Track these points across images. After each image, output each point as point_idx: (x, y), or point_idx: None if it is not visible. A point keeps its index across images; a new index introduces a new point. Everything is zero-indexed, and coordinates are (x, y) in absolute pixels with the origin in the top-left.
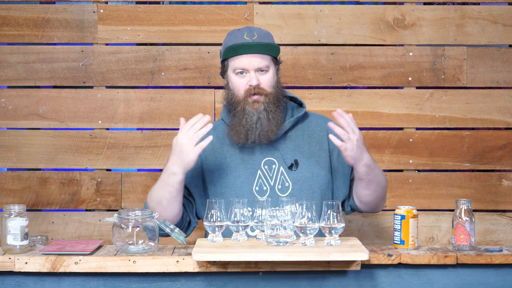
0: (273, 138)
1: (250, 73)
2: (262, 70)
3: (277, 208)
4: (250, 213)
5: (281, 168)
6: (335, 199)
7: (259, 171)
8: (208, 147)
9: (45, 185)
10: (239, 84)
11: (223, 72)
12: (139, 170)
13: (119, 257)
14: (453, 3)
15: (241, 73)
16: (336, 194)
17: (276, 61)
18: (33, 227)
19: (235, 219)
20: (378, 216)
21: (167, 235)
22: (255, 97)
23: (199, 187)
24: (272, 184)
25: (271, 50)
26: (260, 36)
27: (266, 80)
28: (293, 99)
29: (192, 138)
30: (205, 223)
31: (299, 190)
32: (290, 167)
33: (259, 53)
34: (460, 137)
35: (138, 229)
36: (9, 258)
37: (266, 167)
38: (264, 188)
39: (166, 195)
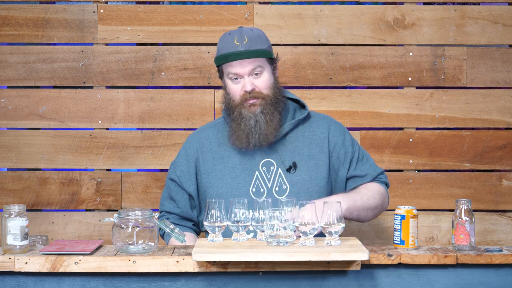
0: (273, 141)
1: (244, 78)
2: (256, 74)
3: (277, 208)
4: (250, 214)
5: (279, 170)
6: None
7: (256, 173)
8: (206, 148)
9: (45, 185)
10: (235, 89)
11: (221, 76)
12: (139, 170)
13: (119, 257)
14: (453, 3)
15: (236, 78)
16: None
17: (271, 61)
18: (33, 227)
19: (235, 219)
20: (378, 216)
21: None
22: (251, 101)
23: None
24: (269, 186)
25: (261, 54)
26: (251, 39)
27: (262, 83)
28: (296, 101)
29: None
30: (205, 223)
31: (296, 193)
32: (289, 170)
33: (249, 58)
34: (460, 137)
35: (138, 229)
36: (9, 258)
37: (264, 168)
38: (261, 190)
39: None
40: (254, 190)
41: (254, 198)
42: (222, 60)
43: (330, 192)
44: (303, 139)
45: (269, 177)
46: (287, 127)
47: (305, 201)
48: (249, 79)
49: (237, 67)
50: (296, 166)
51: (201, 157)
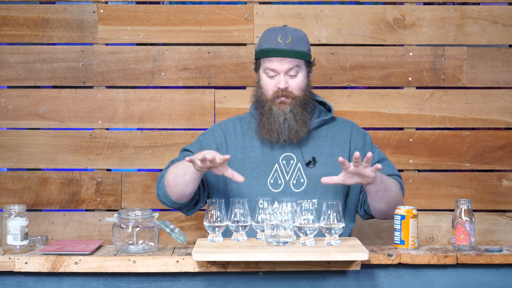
0: (303, 137)
1: (280, 76)
2: (291, 75)
3: (277, 208)
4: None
5: (299, 164)
6: (349, 200)
7: (276, 165)
8: (231, 135)
9: (45, 185)
10: (268, 84)
11: (256, 69)
12: (139, 170)
13: (119, 257)
14: (453, 3)
15: (271, 74)
16: (351, 196)
17: (308, 64)
18: (33, 227)
19: (235, 219)
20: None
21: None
22: (282, 98)
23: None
24: (287, 178)
25: (301, 55)
26: (294, 39)
27: (295, 84)
28: (323, 104)
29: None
30: (205, 223)
31: (313, 187)
32: (308, 164)
33: (290, 57)
34: (460, 137)
35: (138, 229)
36: (9, 258)
37: (284, 162)
38: (279, 182)
39: (184, 176)
40: (272, 181)
41: (271, 189)
42: (262, 54)
43: (347, 192)
44: (325, 138)
45: (288, 170)
46: (312, 124)
47: (304, 200)
48: (284, 78)
49: (275, 63)
50: (316, 161)
51: (225, 143)
